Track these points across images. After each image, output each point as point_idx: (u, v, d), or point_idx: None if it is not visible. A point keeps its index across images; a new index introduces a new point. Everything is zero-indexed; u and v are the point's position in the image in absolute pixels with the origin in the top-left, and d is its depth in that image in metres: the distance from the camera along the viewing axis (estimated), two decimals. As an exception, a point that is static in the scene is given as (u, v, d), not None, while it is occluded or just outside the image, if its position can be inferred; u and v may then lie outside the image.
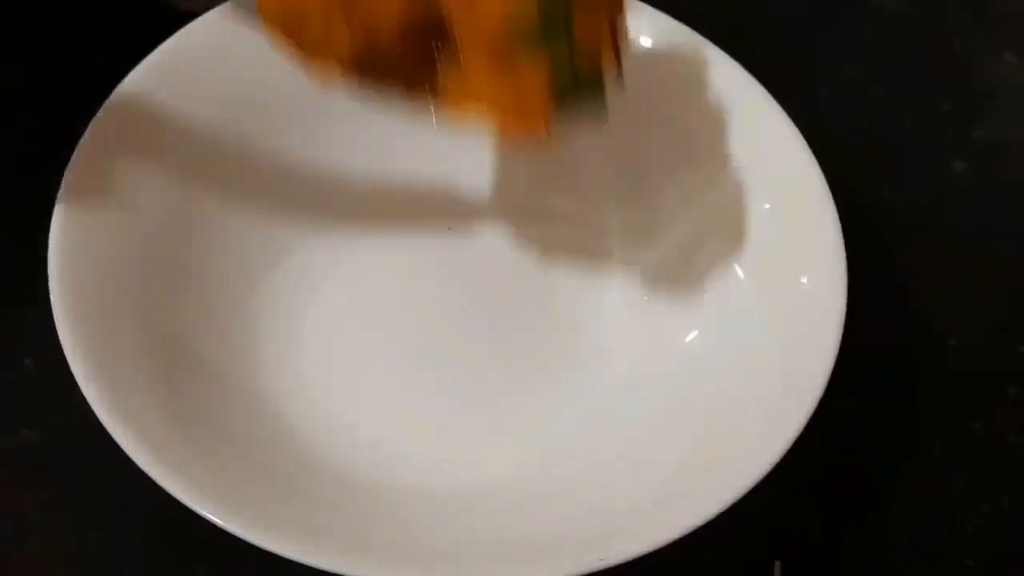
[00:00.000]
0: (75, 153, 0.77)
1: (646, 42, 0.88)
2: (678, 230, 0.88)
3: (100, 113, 0.79)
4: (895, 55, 1.11)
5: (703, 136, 0.87)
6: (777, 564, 0.80)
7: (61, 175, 0.76)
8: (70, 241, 0.75)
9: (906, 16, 1.14)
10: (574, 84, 0.64)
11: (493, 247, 0.90)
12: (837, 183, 0.83)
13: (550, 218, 0.92)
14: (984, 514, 0.84)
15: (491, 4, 0.61)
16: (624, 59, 0.70)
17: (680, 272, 0.86)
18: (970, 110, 1.07)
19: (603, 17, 0.65)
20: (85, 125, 0.78)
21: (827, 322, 0.76)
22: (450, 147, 0.87)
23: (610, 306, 0.88)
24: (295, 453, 0.78)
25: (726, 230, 0.85)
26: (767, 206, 0.84)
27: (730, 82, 0.87)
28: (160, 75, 0.82)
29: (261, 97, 0.86)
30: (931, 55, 1.11)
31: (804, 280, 0.80)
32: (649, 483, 0.75)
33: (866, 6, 1.14)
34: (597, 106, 0.67)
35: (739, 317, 0.82)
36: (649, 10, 0.89)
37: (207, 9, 0.84)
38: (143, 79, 0.81)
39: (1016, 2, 1.15)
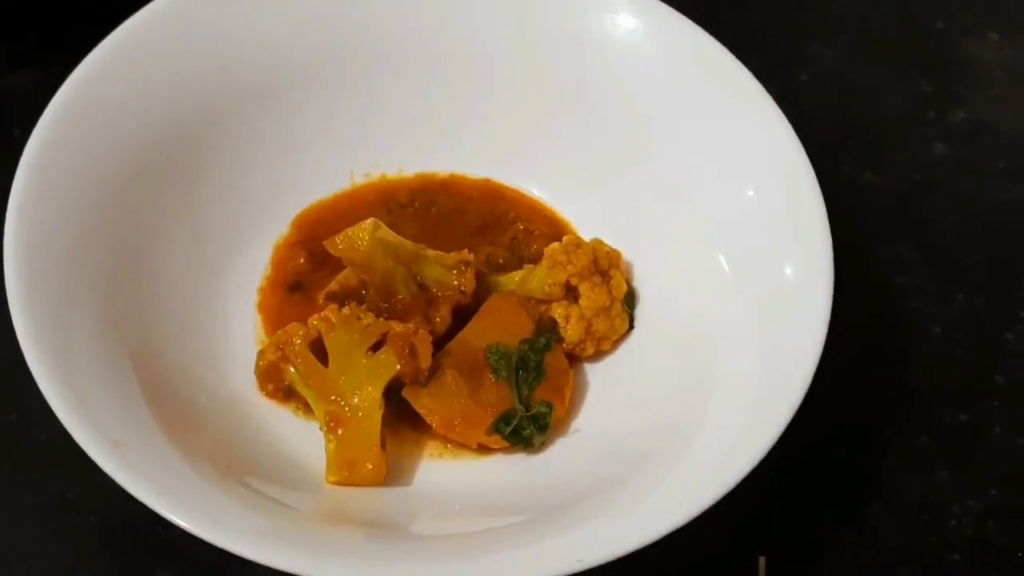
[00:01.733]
0: (26, 150, 0.75)
1: (629, 23, 0.86)
2: (660, 218, 0.85)
3: (49, 110, 0.77)
4: (876, 36, 1.08)
5: (685, 120, 0.85)
6: (762, 560, 0.79)
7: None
8: (26, 233, 0.72)
9: (888, -3, 1.12)
10: (526, 418, 0.78)
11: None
12: (818, 168, 0.80)
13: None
14: (971, 508, 0.82)
15: (481, 337, 0.80)
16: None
17: (664, 263, 0.83)
18: (951, 91, 1.05)
19: (565, 381, 0.81)
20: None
21: (813, 316, 0.74)
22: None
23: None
24: (260, 453, 0.76)
25: (710, 218, 0.83)
26: (751, 192, 0.81)
27: (715, 65, 0.84)
28: (113, 64, 0.80)
29: (218, 89, 0.85)
30: (913, 35, 1.09)
31: (789, 271, 0.78)
32: (633, 480, 0.73)
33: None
34: (536, 438, 0.78)
35: (724, 309, 0.80)
36: None
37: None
38: (96, 68, 0.79)
39: (998, -19, 1.14)
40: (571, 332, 0.81)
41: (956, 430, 0.86)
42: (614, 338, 0.82)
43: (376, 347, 0.77)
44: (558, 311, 0.81)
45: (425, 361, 0.76)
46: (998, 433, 0.86)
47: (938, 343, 0.90)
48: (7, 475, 0.78)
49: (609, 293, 0.82)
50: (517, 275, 0.83)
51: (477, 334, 0.80)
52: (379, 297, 0.80)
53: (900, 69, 1.06)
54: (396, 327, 0.77)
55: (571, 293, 0.82)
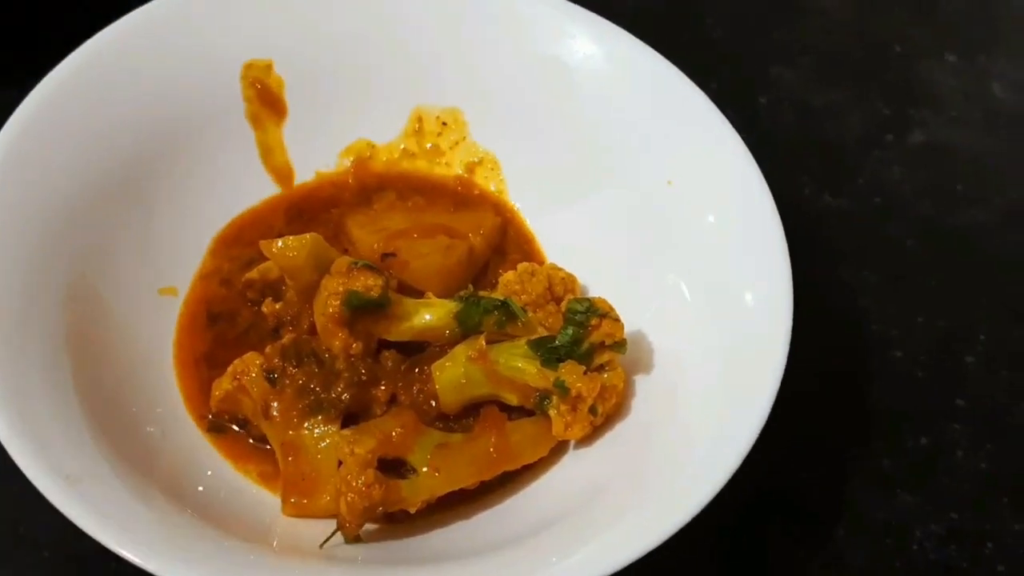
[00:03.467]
0: None
1: (588, 49, 0.86)
2: (622, 247, 0.85)
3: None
4: (836, 58, 1.09)
5: (646, 147, 0.84)
6: (725, 586, 0.78)
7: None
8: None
9: (848, 19, 1.12)
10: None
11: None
12: (779, 191, 0.80)
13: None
14: (933, 532, 0.82)
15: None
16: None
17: (625, 290, 0.82)
18: (910, 114, 1.05)
19: None
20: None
21: (772, 343, 0.74)
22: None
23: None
24: (215, 486, 0.75)
25: (672, 246, 0.82)
26: (711, 219, 0.81)
27: (673, 92, 0.84)
28: (70, 88, 0.80)
29: (173, 112, 0.85)
30: (872, 58, 1.09)
31: (748, 297, 0.77)
32: (590, 510, 0.73)
33: (808, 8, 1.12)
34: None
35: (685, 337, 0.79)
36: (591, 16, 0.86)
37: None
38: (46, 95, 0.79)
39: (958, 3, 1.14)
40: (577, 431, 0.77)
41: (918, 453, 0.86)
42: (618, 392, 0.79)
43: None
44: (554, 412, 0.76)
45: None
46: (959, 456, 0.86)
47: (899, 366, 0.90)
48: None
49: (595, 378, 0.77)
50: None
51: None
52: (299, 299, 0.79)
53: (859, 91, 1.06)
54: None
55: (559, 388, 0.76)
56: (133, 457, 0.71)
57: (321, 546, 0.72)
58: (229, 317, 0.84)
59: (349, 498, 0.71)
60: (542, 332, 0.78)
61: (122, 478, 0.69)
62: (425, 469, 0.73)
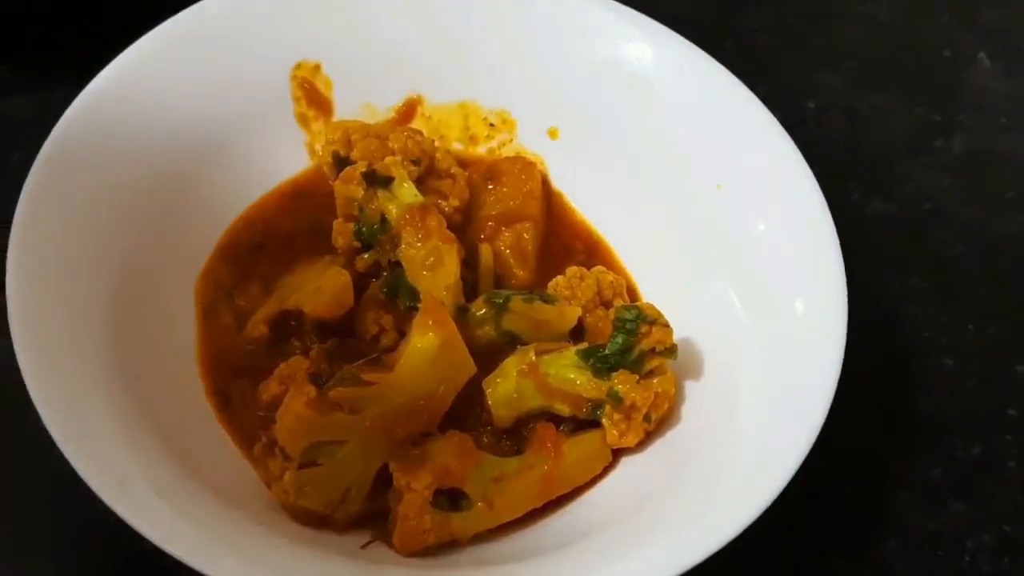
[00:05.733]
0: (28, 179, 0.74)
1: (642, 52, 0.85)
2: (670, 250, 0.84)
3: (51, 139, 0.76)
4: (883, 64, 1.08)
5: (695, 150, 0.84)
6: (773, 597, 0.77)
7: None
8: (27, 263, 0.71)
9: (894, 24, 1.11)
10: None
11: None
12: (825, 197, 0.80)
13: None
14: (985, 543, 0.81)
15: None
16: None
17: (673, 294, 0.82)
18: (958, 120, 1.04)
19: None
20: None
21: (826, 355, 0.73)
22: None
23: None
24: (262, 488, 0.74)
25: (721, 249, 0.82)
26: (762, 227, 0.80)
27: (723, 93, 0.83)
28: (114, 90, 0.80)
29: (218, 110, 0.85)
30: (920, 63, 1.08)
31: (799, 305, 0.76)
32: (636, 520, 0.72)
33: (853, 13, 1.11)
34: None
35: (734, 342, 0.78)
36: (643, 19, 0.86)
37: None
38: (98, 95, 0.79)
39: (1004, 9, 1.13)
40: (631, 438, 0.76)
41: (969, 463, 0.85)
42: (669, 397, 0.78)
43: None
44: (607, 421, 0.76)
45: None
46: (1012, 467, 0.85)
47: (950, 375, 0.89)
48: (5, 511, 0.76)
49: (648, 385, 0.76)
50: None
51: None
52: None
53: (907, 97, 1.05)
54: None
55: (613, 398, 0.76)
56: (183, 457, 0.71)
57: (363, 547, 0.72)
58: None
59: (404, 538, 0.71)
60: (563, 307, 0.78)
61: (172, 478, 0.69)
62: (480, 504, 0.73)
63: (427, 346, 0.71)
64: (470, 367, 0.74)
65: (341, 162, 0.82)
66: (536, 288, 0.82)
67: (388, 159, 0.80)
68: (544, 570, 0.70)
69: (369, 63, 0.88)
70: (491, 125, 0.90)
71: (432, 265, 0.77)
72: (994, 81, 1.07)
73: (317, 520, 0.72)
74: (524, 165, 0.88)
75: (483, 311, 0.77)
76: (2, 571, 0.75)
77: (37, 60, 0.97)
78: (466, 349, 0.73)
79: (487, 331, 0.77)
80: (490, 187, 0.86)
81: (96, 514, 0.65)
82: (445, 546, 0.73)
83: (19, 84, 0.95)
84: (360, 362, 0.74)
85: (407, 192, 0.79)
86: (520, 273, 0.84)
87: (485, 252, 0.83)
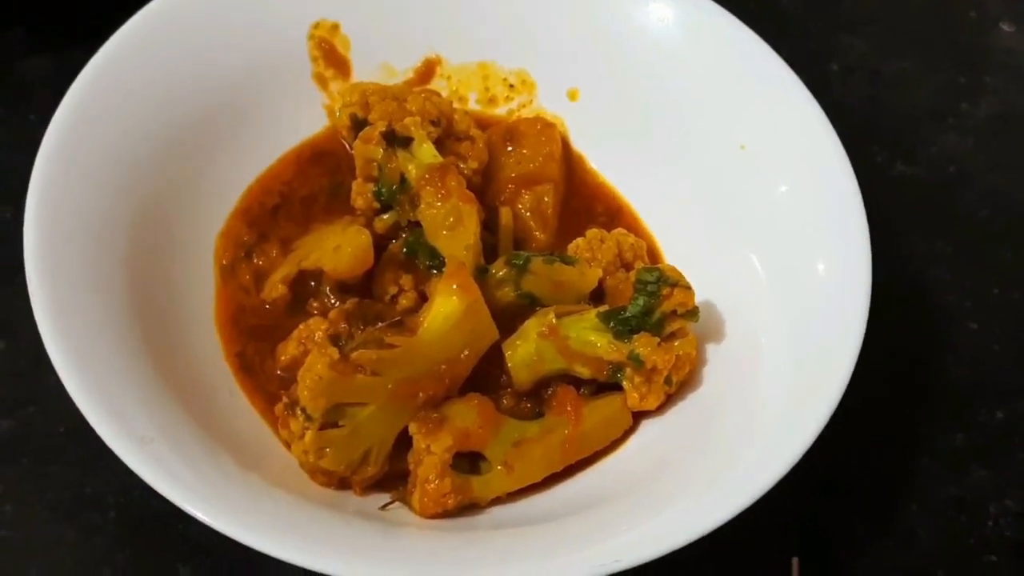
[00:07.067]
0: (44, 141, 0.74)
1: (663, 12, 0.84)
2: (691, 211, 0.84)
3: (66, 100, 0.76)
4: (907, 26, 1.06)
5: (719, 110, 0.83)
6: (795, 561, 0.77)
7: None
8: (46, 225, 0.71)
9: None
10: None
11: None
12: (849, 160, 0.79)
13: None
14: (1008, 508, 0.81)
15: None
16: None
17: (694, 256, 0.81)
18: (984, 83, 1.02)
19: None
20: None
21: (849, 321, 0.72)
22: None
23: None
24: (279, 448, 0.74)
25: (743, 210, 0.81)
26: (784, 189, 0.79)
27: (747, 52, 0.82)
28: (130, 51, 0.79)
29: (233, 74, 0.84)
30: (945, 25, 1.07)
31: (821, 267, 0.76)
32: (657, 485, 0.72)
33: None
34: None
35: (755, 305, 0.78)
36: None
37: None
38: (112, 57, 0.78)
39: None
40: (652, 401, 0.76)
41: (993, 428, 0.84)
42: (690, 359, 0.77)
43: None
44: (628, 384, 0.75)
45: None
46: (1036, 432, 0.84)
47: (974, 339, 0.88)
48: (25, 469, 0.77)
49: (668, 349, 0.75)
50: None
51: None
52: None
53: (932, 60, 1.04)
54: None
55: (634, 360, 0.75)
56: (203, 417, 0.71)
57: (383, 508, 0.72)
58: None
59: (424, 501, 0.70)
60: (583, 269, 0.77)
61: (193, 438, 0.68)
62: (499, 468, 0.72)
63: (451, 311, 0.71)
64: (493, 332, 0.73)
65: (359, 124, 0.81)
66: (556, 250, 0.81)
67: (408, 119, 0.79)
68: (565, 533, 0.70)
69: (388, 23, 0.87)
70: (511, 86, 0.89)
71: (452, 225, 0.77)
72: (1021, 43, 1.05)
73: (337, 481, 0.72)
74: (544, 126, 0.87)
75: (503, 272, 0.76)
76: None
77: (53, 22, 0.96)
78: (489, 314, 0.73)
79: (507, 292, 0.76)
80: (509, 149, 0.86)
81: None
82: (464, 508, 0.72)
83: (35, 46, 0.95)
84: (383, 325, 0.73)
85: (427, 152, 0.78)
86: (540, 235, 0.83)
87: (505, 214, 0.82)
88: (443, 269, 0.76)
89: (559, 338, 0.75)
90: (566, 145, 0.89)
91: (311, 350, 0.73)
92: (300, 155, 0.87)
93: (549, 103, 0.89)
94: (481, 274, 0.76)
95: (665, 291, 0.74)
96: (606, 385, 0.76)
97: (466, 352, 0.72)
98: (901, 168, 0.97)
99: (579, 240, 0.81)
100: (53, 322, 0.67)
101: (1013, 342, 0.88)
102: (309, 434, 0.69)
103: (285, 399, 0.72)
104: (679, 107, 0.85)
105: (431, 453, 0.70)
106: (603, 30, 0.86)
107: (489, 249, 0.80)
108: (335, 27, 0.86)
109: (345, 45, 0.87)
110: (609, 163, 0.88)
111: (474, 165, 0.82)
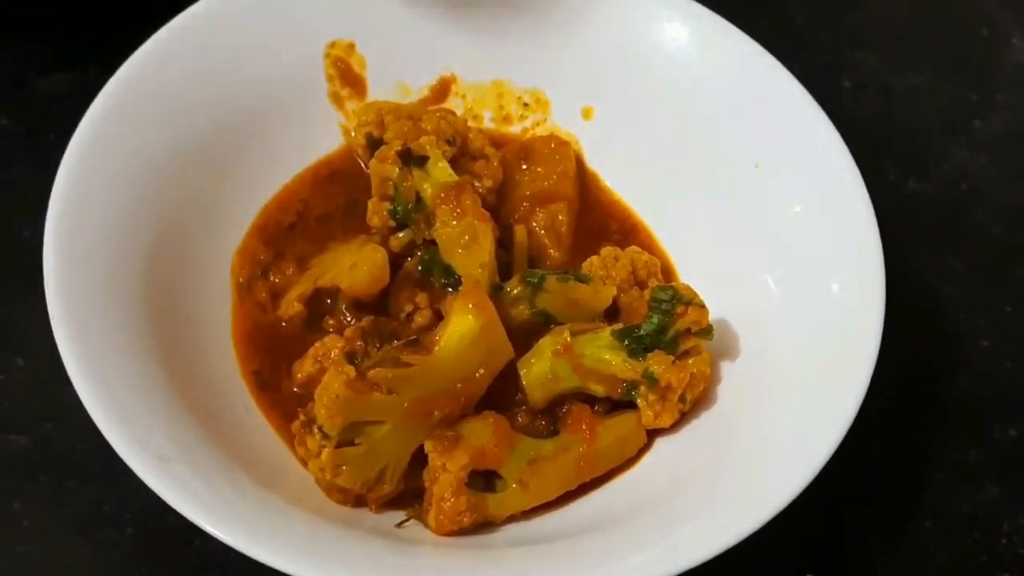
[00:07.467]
0: (65, 157, 0.74)
1: (679, 32, 0.85)
2: (705, 229, 0.84)
3: (87, 118, 0.76)
4: (919, 42, 1.07)
5: (733, 129, 0.83)
6: (809, 577, 0.77)
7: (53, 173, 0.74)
8: (66, 242, 0.71)
9: (932, 1, 1.10)
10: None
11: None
12: (863, 176, 0.79)
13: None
14: (1021, 526, 0.81)
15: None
16: None
17: (708, 274, 0.82)
18: (996, 99, 1.03)
19: None
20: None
21: (863, 340, 0.72)
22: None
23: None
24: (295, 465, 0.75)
25: (757, 228, 0.81)
26: (798, 208, 0.80)
27: (762, 72, 0.83)
28: (150, 69, 0.80)
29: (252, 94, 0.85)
30: (957, 41, 1.07)
31: (835, 287, 0.76)
32: (672, 503, 0.72)
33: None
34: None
35: (769, 322, 0.78)
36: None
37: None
38: (132, 75, 0.79)
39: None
40: (666, 419, 0.76)
41: (1006, 445, 0.84)
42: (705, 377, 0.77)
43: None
44: (642, 402, 0.75)
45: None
46: (1049, 449, 0.84)
47: (987, 356, 0.88)
48: (42, 485, 0.77)
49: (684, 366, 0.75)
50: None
51: None
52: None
53: (944, 76, 1.04)
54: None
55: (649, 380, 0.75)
56: (220, 435, 0.71)
57: (398, 525, 0.72)
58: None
59: (439, 519, 0.71)
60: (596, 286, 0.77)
61: (210, 456, 0.69)
62: (515, 485, 0.73)
63: (467, 330, 0.71)
64: (508, 351, 0.74)
65: (375, 144, 0.82)
66: (570, 268, 0.82)
67: (423, 138, 0.80)
68: (580, 551, 0.70)
69: (403, 41, 0.88)
70: (525, 104, 0.90)
71: (467, 243, 0.77)
72: (1033, 57, 1.06)
73: (353, 499, 0.72)
74: (558, 145, 0.87)
75: (518, 290, 0.77)
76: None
77: (72, 38, 0.97)
78: (505, 333, 0.73)
79: (522, 310, 0.77)
80: (524, 167, 0.86)
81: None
82: (479, 526, 0.72)
83: (53, 64, 0.95)
84: (399, 343, 0.74)
85: (442, 171, 0.79)
86: (554, 253, 0.84)
87: (519, 232, 0.83)
88: (458, 287, 0.77)
89: (574, 356, 0.75)
90: (580, 163, 0.89)
91: (327, 368, 0.73)
92: (316, 173, 0.87)
93: (563, 121, 0.90)
94: (496, 292, 0.76)
95: (679, 309, 0.74)
96: (620, 403, 0.76)
97: (481, 370, 0.73)
98: (913, 185, 0.97)
99: (593, 258, 0.81)
100: (72, 339, 0.67)
101: (1025, 360, 0.88)
102: (326, 452, 0.69)
103: (302, 417, 0.72)
104: (693, 125, 0.85)
105: (447, 471, 0.71)
106: (617, 49, 0.87)
107: (504, 267, 0.80)
108: (351, 46, 0.87)
109: (361, 64, 0.87)
110: (623, 181, 0.88)
111: (489, 184, 0.82)
